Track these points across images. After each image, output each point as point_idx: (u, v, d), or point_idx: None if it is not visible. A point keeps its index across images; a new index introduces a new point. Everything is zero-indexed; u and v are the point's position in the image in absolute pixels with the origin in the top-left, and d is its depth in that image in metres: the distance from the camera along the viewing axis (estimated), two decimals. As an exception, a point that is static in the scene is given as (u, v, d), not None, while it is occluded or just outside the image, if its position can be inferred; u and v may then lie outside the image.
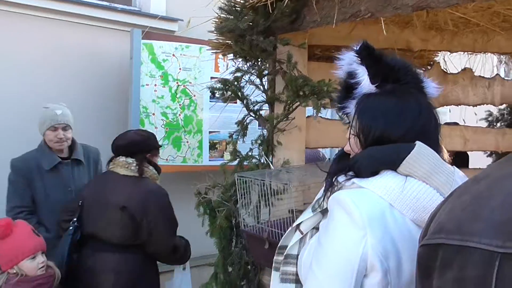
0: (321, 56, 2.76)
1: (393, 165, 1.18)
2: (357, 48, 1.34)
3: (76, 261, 2.59)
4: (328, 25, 2.25)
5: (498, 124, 3.71)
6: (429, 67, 3.23)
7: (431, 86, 1.38)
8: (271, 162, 2.55)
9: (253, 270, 2.55)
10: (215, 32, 2.56)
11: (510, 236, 0.68)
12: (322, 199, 1.31)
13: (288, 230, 1.39)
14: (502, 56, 3.48)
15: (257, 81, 2.56)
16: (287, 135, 2.52)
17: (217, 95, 2.68)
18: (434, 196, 1.14)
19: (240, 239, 2.56)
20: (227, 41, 2.57)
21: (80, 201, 2.69)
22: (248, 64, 2.60)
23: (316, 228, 1.32)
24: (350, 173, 1.23)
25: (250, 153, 2.65)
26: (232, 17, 2.45)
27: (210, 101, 3.94)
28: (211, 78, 3.92)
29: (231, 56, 2.61)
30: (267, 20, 2.37)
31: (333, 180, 1.26)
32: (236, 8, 2.45)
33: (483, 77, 3.42)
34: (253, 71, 2.51)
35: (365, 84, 1.32)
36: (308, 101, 2.26)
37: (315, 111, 2.21)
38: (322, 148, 3.05)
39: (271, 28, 2.42)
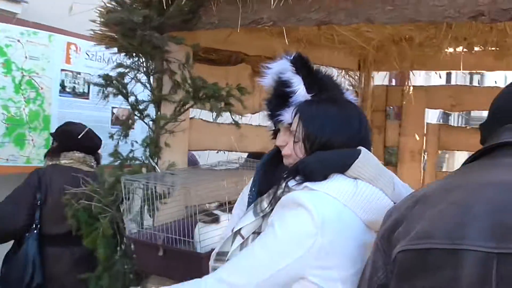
0: (202, 58, 2.77)
1: (343, 169, 1.26)
2: (292, 59, 1.42)
3: None
4: (228, 28, 2.29)
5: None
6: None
7: (350, 95, 1.51)
8: (157, 164, 2.47)
9: (136, 280, 2.43)
10: (98, 22, 2.37)
11: (502, 238, 0.82)
12: (267, 203, 1.34)
13: (227, 236, 1.39)
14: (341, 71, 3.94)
15: (144, 79, 2.45)
16: (172, 137, 2.47)
17: (95, 91, 2.48)
18: (381, 197, 1.26)
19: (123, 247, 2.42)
20: (111, 34, 2.40)
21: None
22: (132, 61, 2.47)
23: (257, 233, 1.34)
24: (298, 177, 1.28)
25: (131, 155, 2.52)
26: (120, 8, 2.30)
27: (60, 96, 3.59)
28: (62, 70, 3.57)
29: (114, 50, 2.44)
30: (162, 16, 2.29)
31: (283, 184, 1.29)
32: (125, 0, 2.31)
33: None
34: (141, 68, 2.40)
35: (301, 93, 1.39)
36: (206, 104, 2.26)
37: (214, 114, 2.22)
38: (202, 151, 3.06)
39: (164, 25, 2.35)
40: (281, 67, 1.44)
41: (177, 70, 2.40)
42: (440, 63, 3.67)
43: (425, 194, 1.00)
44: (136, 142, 2.55)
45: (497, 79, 3.70)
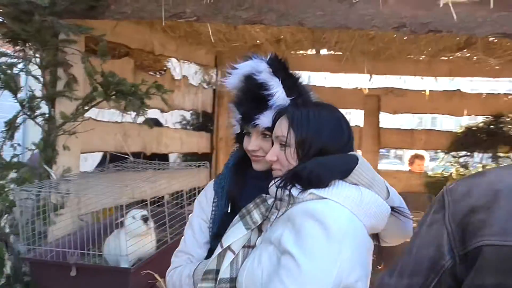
0: (87, 49, 2.53)
1: (345, 174, 1.22)
2: (269, 60, 1.39)
3: None
4: (143, 20, 2.17)
5: (189, 127, 4.24)
6: (162, 72, 3.42)
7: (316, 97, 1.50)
8: (51, 170, 2.19)
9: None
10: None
11: None
12: (259, 216, 1.30)
13: (215, 252, 1.31)
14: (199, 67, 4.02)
15: (35, 71, 2.14)
16: (72, 139, 2.23)
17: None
18: (380, 202, 1.23)
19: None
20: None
21: None
22: (16, 49, 2.14)
23: (247, 246, 1.30)
24: (298, 184, 1.23)
25: (16, 160, 2.19)
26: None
27: None
28: None
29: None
30: (66, 1, 2.05)
31: (286, 193, 1.22)
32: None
33: (193, 85, 3.88)
34: (33, 59, 2.09)
35: (281, 97, 1.36)
36: (121, 102, 2.10)
37: (135, 113, 2.09)
38: (95, 152, 2.77)
39: (66, 10, 2.10)
40: (253, 68, 1.39)
41: (78, 62, 2.15)
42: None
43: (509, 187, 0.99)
44: (19, 145, 2.20)
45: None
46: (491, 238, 0.94)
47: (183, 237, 1.53)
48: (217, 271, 1.28)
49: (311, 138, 1.26)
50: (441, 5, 1.84)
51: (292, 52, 3.85)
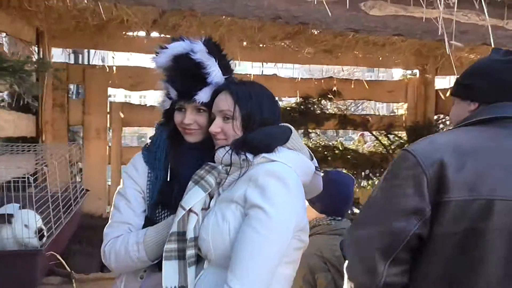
0: None
1: (285, 142, 1.44)
2: (205, 41, 1.53)
3: None
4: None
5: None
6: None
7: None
8: None
9: None
10: None
11: None
12: (213, 179, 1.44)
13: (179, 214, 1.43)
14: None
15: None
16: None
17: None
18: (310, 163, 1.51)
19: None
20: None
21: None
22: None
23: (204, 209, 1.44)
24: (246, 151, 1.41)
25: None
26: None
27: None
28: None
29: None
30: None
31: (241, 158, 1.40)
32: None
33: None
34: None
35: (218, 75, 1.52)
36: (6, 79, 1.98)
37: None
38: None
39: None
40: (186, 49, 1.51)
41: None
42: (122, 45, 4.09)
43: (472, 150, 1.22)
44: None
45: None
46: (462, 194, 1.17)
47: (113, 209, 1.59)
48: (181, 233, 1.41)
49: (255, 112, 1.46)
50: (310, 2, 2.13)
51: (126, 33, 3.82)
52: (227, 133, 1.47)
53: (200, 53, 1.49)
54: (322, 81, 4.56)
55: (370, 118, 4.73)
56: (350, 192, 2.26)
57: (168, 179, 1.56)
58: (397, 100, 5.04)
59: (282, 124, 1.53)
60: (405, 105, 4.93)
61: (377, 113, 4.96)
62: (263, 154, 1.39)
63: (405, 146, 4.25)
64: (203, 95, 1.50)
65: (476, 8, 2.29)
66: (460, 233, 1.18)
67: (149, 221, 1.55)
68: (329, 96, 4.41)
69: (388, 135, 4.81)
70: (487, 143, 1.24)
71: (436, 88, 4.85)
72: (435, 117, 4.80)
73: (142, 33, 3.96)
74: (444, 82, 5.71)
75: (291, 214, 1.36)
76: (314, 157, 1.56)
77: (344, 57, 4.34)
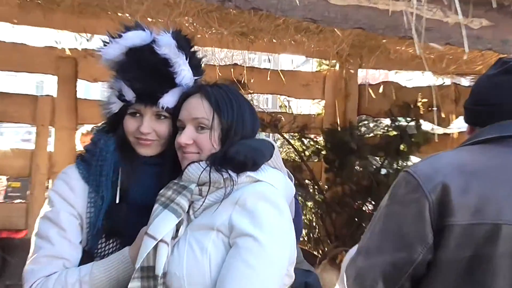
0: None
1: (269, 159, 1.45)
2: (175, 34, 1.48)
3: None
4: None
5: None
6: None
7: None
8: None
9: None
10: None
11: None
12: (186, 201, 1.37)
13: (148, 245, 1.34)
14: None
15: None
16: None
17: None
18: (291, 185, 1.52)
19: None
20: None
21: None
22: None
23: (173, 238, 1.37)
24: (228, 168, 1.38)
25: None
26: None
27: None
28: None
29: None
30: None
31: (219, 177, 1.36)
32: None
33: None
34: None
35: (187, 76, 1.49)
36: None
37: None
38: None
39: None
40: (147, 40, 1.46)
41: None
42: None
43: (476, 169, 1.32)
44: None
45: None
46: (466, 218, 1.25)
47: (40, 240, 1.47)
48: (148, 268, 1.33)
49: (236, 123, 1.44)
50: None
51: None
52: (201, 145, 1.44)
53: (168, 47, 1.46)
54: (232, 69, 4.31)
55: (282, 117, 4.57)
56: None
57: (117, 201, 1.50)
58: (313, 96, 4.91)
59: (262, 137, 1.56)
60: (323, 103, 4.86)
61: (289, 112, 4.78)
62: (248, 173, 1.39)
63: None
64: (169, 99, 1.49)
65: (445, 3, 2.35)
66: (465, 258, 1.27)
67: (88, 255, 1.49)
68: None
69: (302, 139, 4.70)
70: (491, 162, 1.35)
71: (359, 82, 4.84)
72: (357, 118, 4.76)
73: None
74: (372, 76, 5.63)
75: (286, 244, 1.37)
76: (293, 177, 1.59)
77: (260, 43, 4.12)
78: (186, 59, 1.48)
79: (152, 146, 1.52)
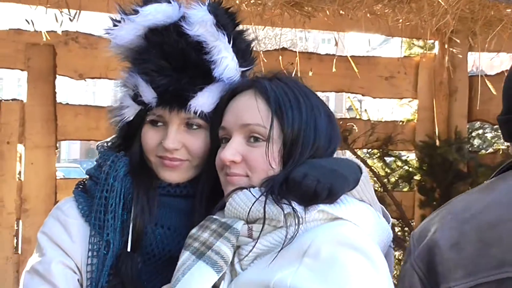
0: None
1: (352, 187, 1.30)
2: (211, 6, 1.38)
3: None
4: None
5: None
6: None
7: None
8: None
9: None
10: None
11: None
12: (230, 247, 1.22)
13: None
14: None
15: None
16: None
17: None
18: (387, 228, 1.35)
19: None
20: None
21: None
22: None
23: None
24: (295, 199, 1.21)
25: None
26: None
27: None
28: None
29: None
30: None
31: (288, 210, 1.18)
32: None
33: None
34: None
35: (230, 66, 1.37)
36: None
37: None
38: None
39: None
40: (175, 15, 1.38)
41: None
42: None
43: (491, 222, 1.25)
44: None
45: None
46: (460, 280, 1.24)
47: None
48: None
49: (305, 133, 1.31)
50: None
51: None
52: (254, 164, 1.31)
53: (203, 25, 1.36)
54: (280, 56, 3.81)
55: (353, 126, 4.07)
56: None
57: (129, 249, 1.40)
58: (400, 94, 4.37)
59: (347, 157, 1.52)
60: (415, 104, 4.36)
61: (364, 118, 4.32)
62: (322, 206, 1.23)
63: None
64: (204, 100, 1.39)
65: None
66: None
67: None
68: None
69: (385, 158, 4.30)
70: (499, 198, 1.35)
71: (469, 74, 4.27)
72: (468, 126, 4.23)
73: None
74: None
75: None
76: (390, 217, 1.47)
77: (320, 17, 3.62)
78: (229, 43, 1.38)
79: (181, 169, 1.42)
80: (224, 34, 1.36)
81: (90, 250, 1.41)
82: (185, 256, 1.26)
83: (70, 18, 3.34)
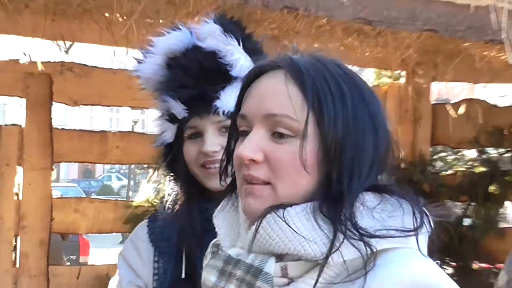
0: None
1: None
2: (217, 19, 1.44)
3: None
4: None
5: None
6: None
7: None
8: None
9: None
10: None
11: None
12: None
13: None
14: None
15: None
16: None
17: None
18: None
19: None
20: None
21: None
22: None
23: None
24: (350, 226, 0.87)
25: None
26: None
27: None
28: None
29: None
30: None
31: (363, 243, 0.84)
32: None
33: None
34: None
35: (246, 65, 1.39)
36: None
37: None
38: None
39: None
40: (181, 41, 1.43)
41: None
42: None
43: None
44: None
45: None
46: None
47: None
48: None
49: (358, 136, 0.95)
50: None
51: None
52: (279, 166, 0.93)
53: (212, 36, 1.41)
54: None
55: None
56: None
57: (183, 275, 1.38)
58: None
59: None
60: None
61: None
62: (399, 238, 0.89)
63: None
64: (227, 98, 1.39)
65: None
66: None
67: None
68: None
69: None
70: None
71: (433, 102, 4.46)
72: (431, 149, 4.30)
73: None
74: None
75: None
76: None
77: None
78: (239, 45, 1.41)
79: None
80: (233, 38, 1.39)
81: (154, 273, 1.43)
82: None
83: (65, 51, 3.43)
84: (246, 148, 0.93)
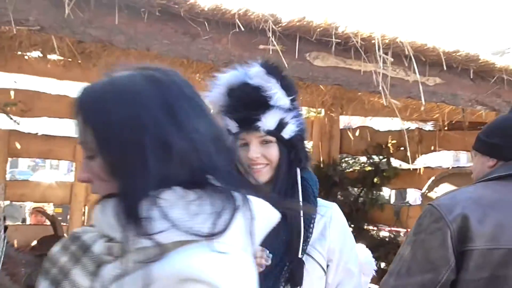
0: None
1: None
2: (262, 63, 1.53)
3: None
4: None
5: None
6: None
7: None
8: None
9: None
10: None
11: None
12: None
13: None
14: None
15: None
16: None
17: None
18: None
19: None
20: None
21: None
22: None
23: None
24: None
25: None
26: None
27: None
28: None
29: None
30: None
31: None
32: None
33: None
34: None
35: (280, 97, 1.51)
36: None
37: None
38: None
39: None
40: (238, 77, 1.53)
41: None
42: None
43: (492, 202, 1.42)
44: None
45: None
46: (483, 244, 1.37)
47: None
48: None
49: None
50: (263, 49, 2.52)
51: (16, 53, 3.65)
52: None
53: (258, 76, 1.51)
54: None
55: None
56: None
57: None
58: None
59: None
60: (310, 144, 5.09)
61: None
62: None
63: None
64: (266, 120, 1.50)
65: (405, 65, 2.80)
66: (483, 279, 1.37)
67: None
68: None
69: None
70: (506, 196, 1.47)
71: (341, 127, 5.15)
72: (339, 156, 5.08)
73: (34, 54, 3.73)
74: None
75: None
76: None
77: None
78: (278, 83, 1.50)
79: (264, 172, 1.50)
80: (273, 78, 1.50)
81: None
82: (43, 287, 0.91)
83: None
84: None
